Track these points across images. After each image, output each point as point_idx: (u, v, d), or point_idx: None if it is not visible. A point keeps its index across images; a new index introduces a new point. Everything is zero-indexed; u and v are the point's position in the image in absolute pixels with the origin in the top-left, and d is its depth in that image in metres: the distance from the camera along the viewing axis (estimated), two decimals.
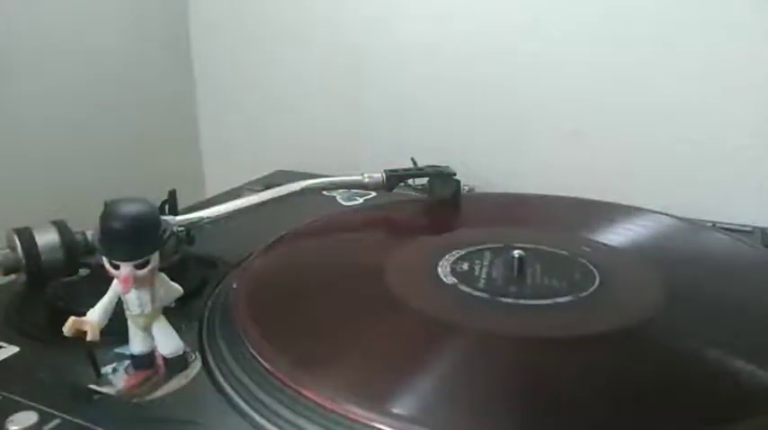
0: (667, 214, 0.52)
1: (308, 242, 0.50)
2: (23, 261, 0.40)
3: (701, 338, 0.35)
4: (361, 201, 0.62)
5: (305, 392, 0.30)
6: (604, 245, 0.47)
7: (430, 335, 0.35)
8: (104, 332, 0.33)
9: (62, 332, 0.32)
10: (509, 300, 0.38)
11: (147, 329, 0.34)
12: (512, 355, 0.34)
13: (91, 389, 0.33)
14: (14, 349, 0.37)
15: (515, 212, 0.56)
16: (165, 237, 0.33)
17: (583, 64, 0.63)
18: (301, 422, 0.29)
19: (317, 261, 0.46)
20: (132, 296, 0.33)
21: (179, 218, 0.46)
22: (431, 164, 0.59)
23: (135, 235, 0.32)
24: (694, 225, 0.52)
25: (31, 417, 0.30)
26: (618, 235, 0.49)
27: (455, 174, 0.58)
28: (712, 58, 0.58)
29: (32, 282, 0.41)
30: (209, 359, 0.35)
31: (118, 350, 0.36)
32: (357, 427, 0.28)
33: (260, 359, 0.33)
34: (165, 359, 0.34)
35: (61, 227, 0.42)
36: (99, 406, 0.32)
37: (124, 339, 0.34)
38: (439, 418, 0.29)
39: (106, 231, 0.32)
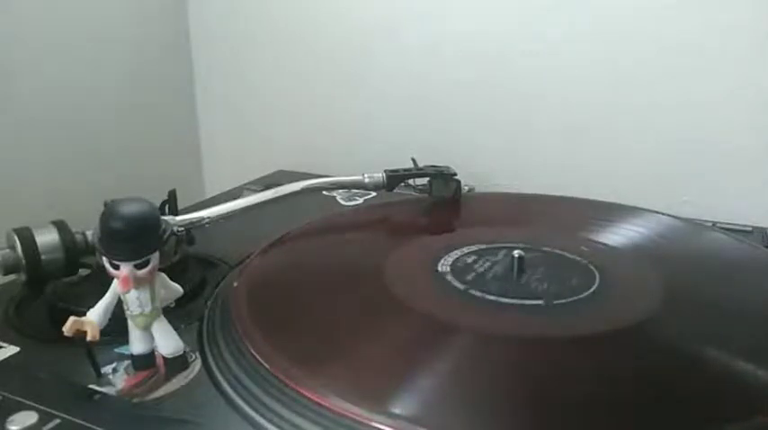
0: (667, 214, 0.52)
1: (308, 242, 0.50)
2: (23, 261, 0.40)
3: (701, 338, 0.35)
4: (361, 201, 0.62)
5: (305, 392, 0.30)
6: (604, 245, 0.47)
7: (429, 335, 0.35)
8: (104, 332, 0.33)
9: (62, 332, 0.32)
10: (509, 300, 0.38)
11: (147, 329, 0.34)
12: (511, 355, 0.34)
13: (91, 389, 0.33)
14: (14, 349, 0.37)
15: (515, 212, 0.56)
16: (165, 237, 0.33)
17: (583, 64, 0.63)
18: (301, 422, 0.29)
19: (317, 261, 0.46)
20: (132, 296, 0.33)
21: (179, 218, 0.46)
22: (431, 164, 0.59)
23: (135, 235, 0.32)
24: (694, 225, 0.52)
25: (31, 417, 0.30)
26: (618, 235, 0.49)
27: (455, 174, 0.58)
28: (713, 58, 0.58)
29: (32, 282, 0.41)
30: (209, 359, 0.35)
31: (118, 350, 0.36)
32: (357, 427, 0.28)
33: (260, 359, 0.33)
34: (165, 359, 0.34)
35: (61, 227, 0.42)
36: (99, 406, 0.32)
37: (124, 339, 0.34)
38: (439, 418, 0.29)
39: (106, 231, 0.32)
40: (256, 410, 0.30)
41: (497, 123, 0.68)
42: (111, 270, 0.32)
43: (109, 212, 0.32)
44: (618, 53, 0.61)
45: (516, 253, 0.42)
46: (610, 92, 0.63)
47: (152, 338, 0.34)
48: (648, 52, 0.60)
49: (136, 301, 0.33)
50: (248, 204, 0.50)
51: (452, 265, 0.43)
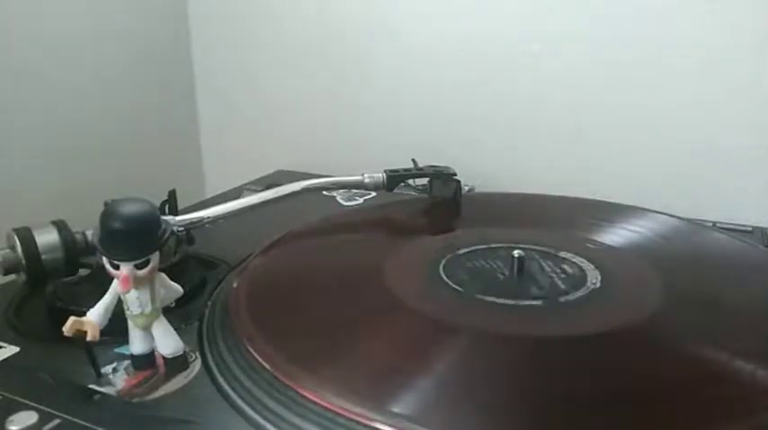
0: (667, 214, 0.52)
1: (308, 242, 0.50)
2: (23, 261, 0.40)
3: (701, 338, 0.35)
4: (361, 201, 0.62)
5: (305, 392, 0.30)
6: (604, 245, 0.47)
7: (430, 336, 0.35)
8: (104, 332, 0.33)
9: (62, 332, 0.32)
10: (509, 301, 0.38)
11: (147, 329, 0.34)
12: (511, 355, 0.34)
13: (91, 389, 0.33)
14: (14, 349, 0.37)
15: (515, 212, 0.56)
16: (165, 237, 0.33)
17: (582, 64, 0.63)
18: (301, 422, 0.29)
19: (316, 261, 0.47)
20: (132, 296, 0.33)
21: (179, 218, 0.46)
22: (431, 164, 0.59)
23: (135, 235, 0.32)
24: (694, 225, 0.52)
25: (31, 417, 0.30)
26: (618, 235, 0.49)
27: (455, 174, 0.58)
28: (712, 58, 0.58)
29: (32, 282, 0.41)
30: (209, 359, 0.35)
31: (118, 350, 0.36)
32: (356, 427, 0.28)
33: (260, 359, 0.33)
34: (165, 359, 0.34)
35: (61, 227, 0.42)
36: (99, 406, 0.32)
37: (124, 339, 0.35)
38: (439, 418, 0.29)
39: (106, 231, 0.32)
40: (256, 410, 0.30)
41: (497, 123, 0.68)
42: (111, 270, 0.32)
43: (109, 212, 0.32)
44: (618, 53, 0.61)
45: (516, 253, 0.42)
46: (610, 92, 0.63)
47: (152, 338, 0.34)
48: (648, 52, 0.60)
49: (136, 301, 0.33)
50: (248, 204, 0.50)
51: (452, 266, 0.43)
